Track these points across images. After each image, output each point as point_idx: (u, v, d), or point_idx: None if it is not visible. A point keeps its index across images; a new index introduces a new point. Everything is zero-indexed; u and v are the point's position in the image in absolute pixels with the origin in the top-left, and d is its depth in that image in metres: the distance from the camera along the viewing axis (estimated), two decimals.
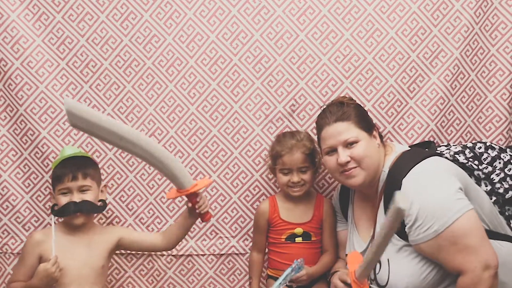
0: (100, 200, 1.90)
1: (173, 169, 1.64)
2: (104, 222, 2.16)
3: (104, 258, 1.89)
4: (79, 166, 1.85)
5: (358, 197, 1.84)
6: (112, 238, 1.91)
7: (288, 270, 1.73)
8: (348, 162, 1.66)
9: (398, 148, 1.73)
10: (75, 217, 1.82)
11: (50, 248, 1.76)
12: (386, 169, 1.67)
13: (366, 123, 1.71)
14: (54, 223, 1.81)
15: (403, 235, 1.56)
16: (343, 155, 1.66)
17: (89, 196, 1.84)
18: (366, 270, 1.44)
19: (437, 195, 1.49)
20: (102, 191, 1.94)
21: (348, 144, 1.67)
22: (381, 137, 1.77)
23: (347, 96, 1.95)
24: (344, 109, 1.71)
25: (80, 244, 1.85)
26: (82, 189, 1.83)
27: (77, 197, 1.82)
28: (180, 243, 2.14)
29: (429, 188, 1.52)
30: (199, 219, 1.85)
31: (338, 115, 1.70)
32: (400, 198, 1.15)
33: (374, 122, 1.84)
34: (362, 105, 1.82)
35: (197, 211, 1.78)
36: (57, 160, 1.92)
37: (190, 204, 1.78)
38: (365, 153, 1.65)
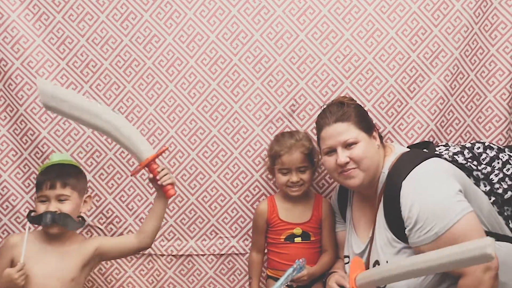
0: (79, 216, 1.84)
1: (134, 141, 1.70)
2: (104, 222, 2.16)
3: (77, 271, 1.80)
4: (60, 174, 1.79)
5: (357, 198, 1.84)
6: (88, 249, 1.83)
7: (290, 270, 1.73)
8: (347, 163, 1.66)
9: (397, 149, 1.73)
10: (51, 226, 1.78)
11: (21, 253, 1.73)
12: (385, 171, 1.67)
13: (366, 124, 1.71)
14: (29, 228, 1.77)
15: (402, 238, 1.56)
16: (342, 155, 1.66)
17: (66, 207, 1.77)
18: (373, 283, 1.43)
19: (437, 197, 1.50)
20: (85, 201, 1.88)
21: (348, 145, 1.66)
22: (381, 138, 1.77)
23: (347, 96, 1.95)
24: (344, 109, 1.70)
25: (53, 254, 1.80)
26: (60, 198, 1.77)
27: (54, 206, 1.76)
28: (180, 243, 2.15)
29: (429, 190, 1.52)
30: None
31: (338, 116, 1.70)
32: (490, 244, 1.12)
33: (374, 122, 1.84)
34: (362, 106, 1.82)
35: (159, 182, 1.75)
36: (42, 166, 1.89)
37: (151, 175, 1.77)
38: (364, 154, 1.65)
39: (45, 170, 1.84)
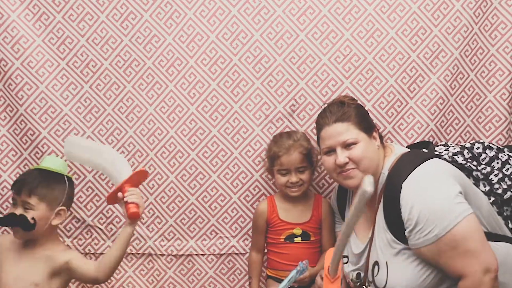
0: (32, 218, 1.74)
1: (116, 166, 1.78)
2: (104, 222, 2.16)
3: (41, 276, 1.76)
4: (31, 181, 1.75)
5: None
6: (58, 260, 1.78)
7: (293, 272, 1.73)
8: (346, 163, 1.66)
9: (397, 150, 1.73)
10: (14, 230, 1.76)
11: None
12: (385, 171, 1.66)
13: (366, 124, 1.71)
14: None
15: (402, 239, 1.56)
16: (342, 156, 1.66)
17: (29, 216, 1.73)
18: (334, 262, 1.46)
19: (438, 199, 1.49)
20: (59, 214, 1.80)
21: (347, 145, 1.66)
22: (381, 138, 1.77)
23: (348, 95, 1.94)
24: (345, 109, 1.70)
25: (24, 257, 1.79)
26: (25, 206, 1.74)
27: (19, 212, 1.74)
28: (180, 243, 2.15)
29: (429, 192, 1.51)
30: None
31: (338, 116, 1.69)
32: (367, 181, 1.22)
33: (374, 122, 1.83)
34: (363, 106, 1.82)
35: (124, 199, 1.72)
36: (31, 167, 1.88)
37: (120, 194, 1.74)
38: (363, 155, 1.65)
39: (24, 173, 1.82)
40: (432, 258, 1.50)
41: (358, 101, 1.83)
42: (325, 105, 1.80)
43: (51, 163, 1.87)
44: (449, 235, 1.45)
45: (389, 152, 1.72)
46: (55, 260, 1.79)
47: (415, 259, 1.54)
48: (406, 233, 1.53)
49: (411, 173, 1.55)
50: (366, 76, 2.09)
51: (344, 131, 1.67)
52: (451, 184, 1.52)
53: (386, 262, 1.60)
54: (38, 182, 1.76)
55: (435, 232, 1.46)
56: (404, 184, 1.54)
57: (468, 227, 1.46)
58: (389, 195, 1.59)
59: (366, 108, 1.87)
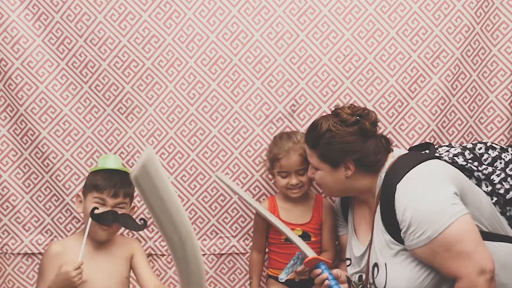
0: (141, 219, 1.86)
1: None
2: None
3: (127, 269, 1.88)
4: (123, 183, 1.80)
5: (357, 202, 1.84)
6: (130, 251, 1.90)
7: (291, 262, 1.78)
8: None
9: (396, 152, 1.72)
10: (101, 230, 1.78)
11: (71, 259, 1.72)
12: (382, 174, 1.66)
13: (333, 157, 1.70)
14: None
15: (400, 240, 1.55)
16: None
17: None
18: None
19: (431, 201, 1.49)
20: (133, 208, 1.92)
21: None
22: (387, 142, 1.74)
23: (347, 110, 1.72)
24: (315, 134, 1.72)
25: (102, 255, 1.82)
26: (118, 206, 1.80)
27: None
28: None
29: (422, 193, 1.51)
30: None
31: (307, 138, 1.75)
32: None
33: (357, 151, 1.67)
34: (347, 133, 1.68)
35: None
36: (96, 167, 1.87)
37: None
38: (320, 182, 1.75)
39: (105, 174, 1.82)
40: (427, 259, 1.50)
41: (359, 101, 1.80)
42: (334, 107, 1.76)
43: (116, 162, 1.92)
44: (441, 236, 1.45)
45: (389, 156, 1.72)
46: (128, 252, 1.90)
47: (413, 260, 1.54)
48: (401, 234, 1.53)
49: (406, 175, 1.55)
50: (367, 76, 2.08)
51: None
52: (445, 185, 1.52)
53: (385, 264, 1.60)
54: (127, 183, 1.79)
55: (428, 234, 1.46)
56: (398, 186, 1.54)
57: (461, 229, 1.45)
58: (385, 196, 1.59)
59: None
